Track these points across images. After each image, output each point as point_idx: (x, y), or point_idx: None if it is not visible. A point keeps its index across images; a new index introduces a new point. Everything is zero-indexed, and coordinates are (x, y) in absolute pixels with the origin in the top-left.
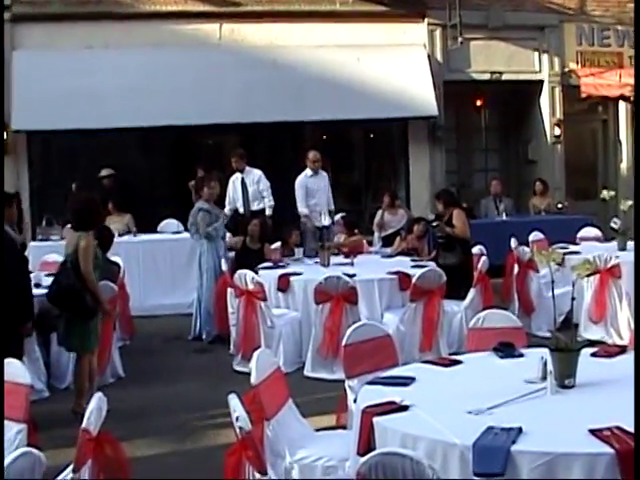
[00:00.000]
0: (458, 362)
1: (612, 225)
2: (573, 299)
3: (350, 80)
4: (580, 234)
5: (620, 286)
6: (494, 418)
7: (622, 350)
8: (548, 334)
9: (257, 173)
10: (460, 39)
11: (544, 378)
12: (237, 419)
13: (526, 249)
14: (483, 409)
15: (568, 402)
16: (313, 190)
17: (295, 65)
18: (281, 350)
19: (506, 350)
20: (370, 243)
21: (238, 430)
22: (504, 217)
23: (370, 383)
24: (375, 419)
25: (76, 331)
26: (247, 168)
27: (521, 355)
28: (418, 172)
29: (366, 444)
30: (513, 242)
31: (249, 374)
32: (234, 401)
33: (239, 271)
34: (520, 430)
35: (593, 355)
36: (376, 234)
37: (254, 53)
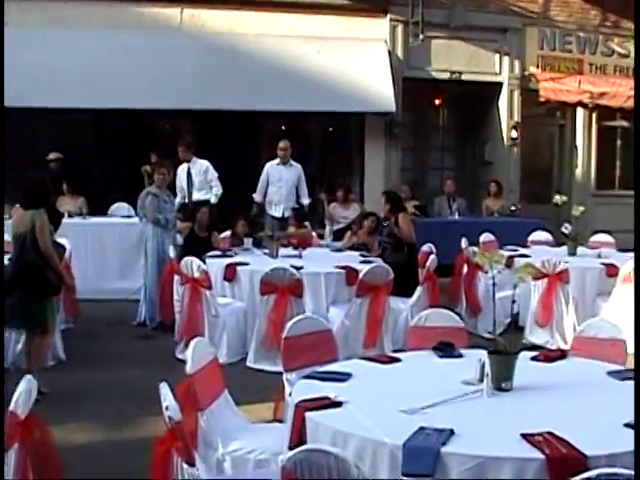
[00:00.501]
0: (397, 360)
1: (563, 230)
2: (513, 302)
3: (309, 72)
4: (531, 237)
5: (567, 291)
6: (427, 418)
7: (562, 355)
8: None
9: (204, 164)
10: (421, 36)
11: (481, 380)
12: (167, 408)
13: (476, 250)
14: (417, 409)
15: (503, 405)
16: (274, 179)
17: (254, 54)
18: (225, 340)
19: (446, 350)
20: (321, 236)
21: (167, 420)
22: (456, 217)
23: (306, 377)
24: (307, 414)
25: (38, 310)
26: (194, 158)
27: (460, 355)
28: (373, 167)
29: (297, 439)
30: (463, 242)
31: None
32: (164, 390)
33: (185, 258)
34: (452, 432)
35: (533, 359)
36: (327, 227)
37: (214, 40)
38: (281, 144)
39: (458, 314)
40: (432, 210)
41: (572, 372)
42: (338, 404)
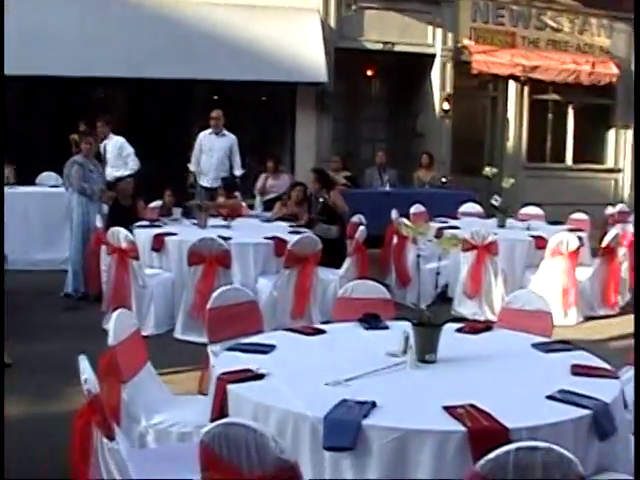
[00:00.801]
0: (322, 332)
1: (492, 202)
2: (438, 274)
3: (241, 41)
4: (461, 209)
5: (496, 263)
6: (350, 390)
7: (487, 327)
8: (422, 306)
9: (119, 140)
10: (354, 7)
11: (405, 352)
12: (85, 381)
13: (405, 221)
14: (340, 381)
15: (426, 377)
16: (206, 148)
17: (187, 22)
18: (152, 310)
19: (372, 321)
20: (251, 207)
21: (86, 393)
22: (387, 188)
23: (229, 349)
24: (229, 387)
25: None
26: (110, 135)
27: (386, 327)
28: (304, 138)
29: (219, 411)
30: (394, 213)
31: None
32: (83, 362)
33: (112, 228)
34: (374, 404)
35: (458, 331)
36: (258, 198)
37: (145, 6)
38: (213, 113)
39: (387, 285)
40: (363, 181)
41: (496, 344)
42: (260, 376)
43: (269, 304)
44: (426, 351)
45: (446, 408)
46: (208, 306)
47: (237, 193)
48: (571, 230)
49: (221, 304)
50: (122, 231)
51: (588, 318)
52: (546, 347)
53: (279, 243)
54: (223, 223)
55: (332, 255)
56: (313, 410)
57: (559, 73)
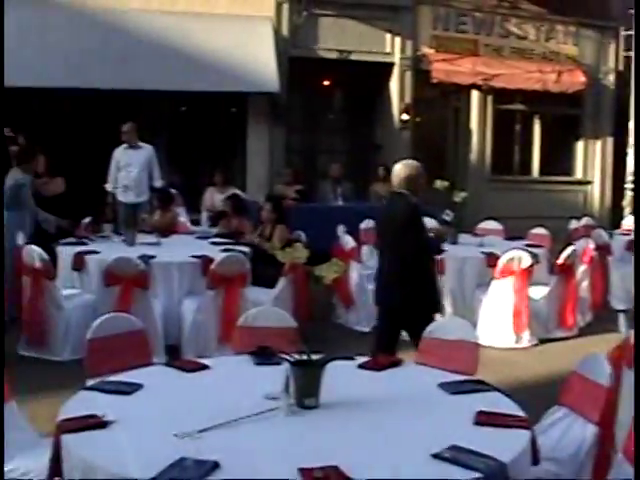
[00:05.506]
0: (205, 367)
1: (444, 217)
2: None
3: (191, 50)
4: None
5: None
6: (198, 445)
7: (395, 362)
8: (367, 329)
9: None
10: (305, 13)
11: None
12: None
13: (349, 239)
14: (192, 432)
15: (297, 428)
16: (123, 164)
17: (134, 31)
18: (69, 334)
19: (264, 355)
20: (196, 222)
21: None
22: (340, 202)
23: (89, 388)
24: (64, 437)
25: None
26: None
27: (278, 363)
28: (257, 151)
29: (55, 466)
30: (340, 229)
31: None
32: None
33: (27, 247)
34: (216, 465)
35: (361, 367)
36: (204, 213)
37: (90, 15)
38: (124, 127)
39: (333, 305)
40: (316, 195)
41: (398, 383)
42: (103, 425)
43: (193, 328)
44: (305, 394)
45: (302, 471)
46: (88, 336)
47: (181, 208)
48: (530, 246)
49: (103, 334)
50: (36, 250)
51: (544, 340)
52: (454, 388)
53: (207, 262)
54: (153, 240)
55: (265, 271)
56: (144, 471)
57: (524, 82)
